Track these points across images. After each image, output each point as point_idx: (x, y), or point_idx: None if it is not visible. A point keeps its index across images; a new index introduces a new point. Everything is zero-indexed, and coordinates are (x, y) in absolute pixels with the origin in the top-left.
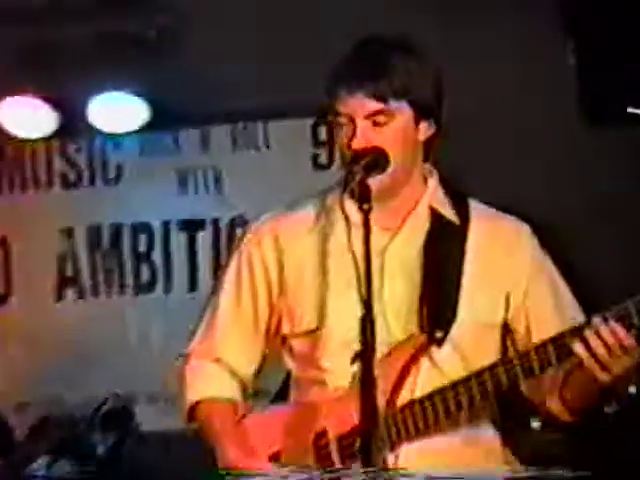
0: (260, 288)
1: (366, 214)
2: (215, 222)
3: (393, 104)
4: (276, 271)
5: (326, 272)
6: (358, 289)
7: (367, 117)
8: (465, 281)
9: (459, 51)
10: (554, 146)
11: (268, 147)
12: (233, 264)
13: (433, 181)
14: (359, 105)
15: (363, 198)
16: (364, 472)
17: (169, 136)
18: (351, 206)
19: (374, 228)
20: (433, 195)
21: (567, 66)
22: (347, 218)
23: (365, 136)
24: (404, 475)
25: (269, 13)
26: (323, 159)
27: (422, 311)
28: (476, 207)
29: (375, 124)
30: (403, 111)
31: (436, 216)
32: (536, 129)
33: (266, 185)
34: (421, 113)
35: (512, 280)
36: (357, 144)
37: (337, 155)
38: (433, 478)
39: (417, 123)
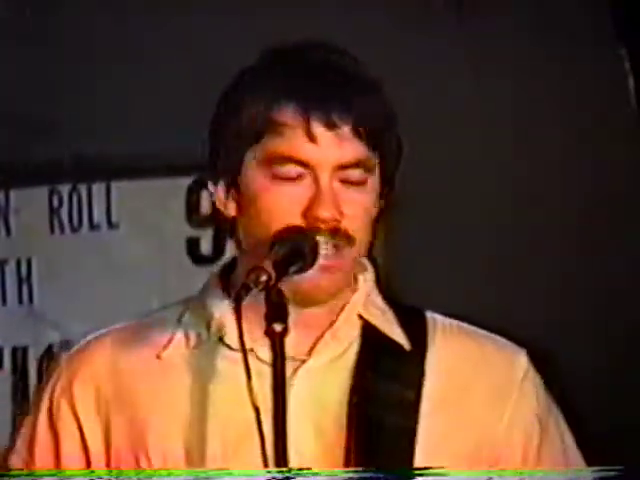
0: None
1: (280, 339)
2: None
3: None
4: (101, 438)
5: (203, 438)
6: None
7: (340, 169)
8: (422, 431)
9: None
10: None
11: (111, 225)
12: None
13: (367, 281)
14: (335, 146)
15: (275, 313)
16: None
17: None
18: (249, 324)
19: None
20: (367, 301)
21: None
22: (242, 344)
23: (335, 200)
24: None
25: None
26: (207, 246)
27: None
28: (441, 325)
29: (344, 182)
30: (377, 167)
31: (371, 332)
32: None
33: (108, 291)
34: (385, 178)
35: (489, 429)
36: (323, 212)
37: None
38: None
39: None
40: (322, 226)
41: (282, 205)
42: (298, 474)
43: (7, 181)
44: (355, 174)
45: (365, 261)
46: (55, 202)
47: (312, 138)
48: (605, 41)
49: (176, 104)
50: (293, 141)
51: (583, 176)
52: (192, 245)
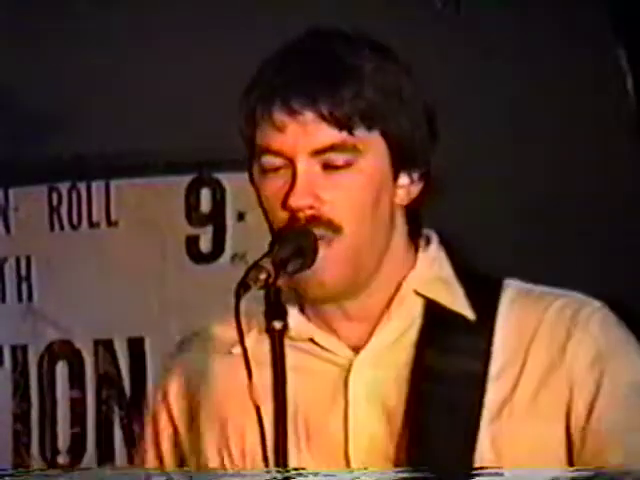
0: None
1: (279, 337)
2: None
3: (360, 133)
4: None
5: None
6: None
7: (315, 154)
8: (487, 413)
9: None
10: None
11: (110, 223)
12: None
13: (429, 255)
14: (302, 133)
15: (274, 311)
16: None
17: None
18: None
19: (333, 342)
20: (423, 276)
21: None
22: (242, 342)
23: (310, 188)
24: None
25: None
26: (206, 244)
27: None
28: (516, 292)
29: (327, 167)
30: (376, 148)
31: (434, 307)
32: None
33: (107, 289)
34: (400, 157)
35: (568, 389)
36: (296, 201)
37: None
38: None
39: (395, 174)
40: (300, 215)
41: (267, 198)
42: (298, 474)
43: (6, 179)
44: (338, 158)
45: (431, 232)
46: (54, 200)
47: (278, 127)
48: (605, 41)
49: (176, 103)
50: (264, 132)
51: (583, 176)
52: (191, 243)
